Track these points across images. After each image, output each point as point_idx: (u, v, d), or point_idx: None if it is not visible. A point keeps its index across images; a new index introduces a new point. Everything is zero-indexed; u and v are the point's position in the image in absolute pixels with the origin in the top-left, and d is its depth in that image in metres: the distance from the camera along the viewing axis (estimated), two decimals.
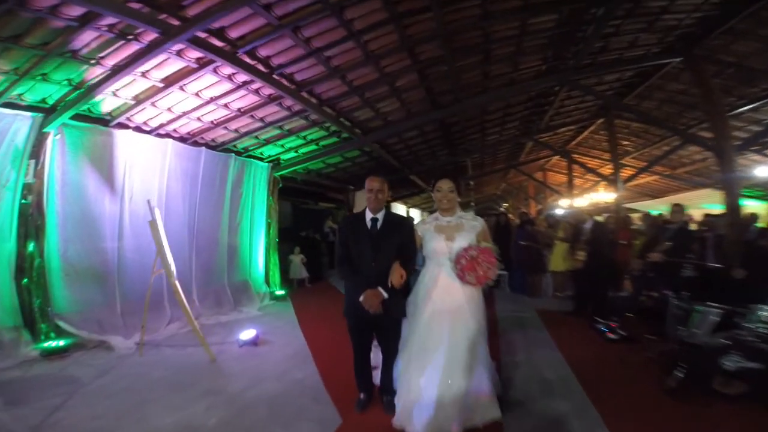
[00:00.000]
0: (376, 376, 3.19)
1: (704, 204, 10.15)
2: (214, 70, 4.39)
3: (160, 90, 4.48)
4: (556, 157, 13.79)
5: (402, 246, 2.80)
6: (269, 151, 7.37)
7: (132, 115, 5.09)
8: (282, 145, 7.20)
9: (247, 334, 5.02)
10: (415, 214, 18.38)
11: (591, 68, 6.89)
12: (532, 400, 3.31)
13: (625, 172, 11.00)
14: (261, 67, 4.45)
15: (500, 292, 8.20)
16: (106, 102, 4.69)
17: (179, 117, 5.28)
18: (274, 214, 7.92)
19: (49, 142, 4.50)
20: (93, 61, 3.83)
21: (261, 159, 7.54)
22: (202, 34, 3.71)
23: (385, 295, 2.70)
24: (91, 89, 3.98)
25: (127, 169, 5.32)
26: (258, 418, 3.06)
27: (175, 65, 4.22)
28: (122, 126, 5.17)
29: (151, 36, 3.55)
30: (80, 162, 4.87)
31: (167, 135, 5.77)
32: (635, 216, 10.36)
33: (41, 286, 4.52)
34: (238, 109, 5.46)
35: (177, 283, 4.49)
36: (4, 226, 4.34)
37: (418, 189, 14.04)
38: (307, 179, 8.98)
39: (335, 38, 4.24)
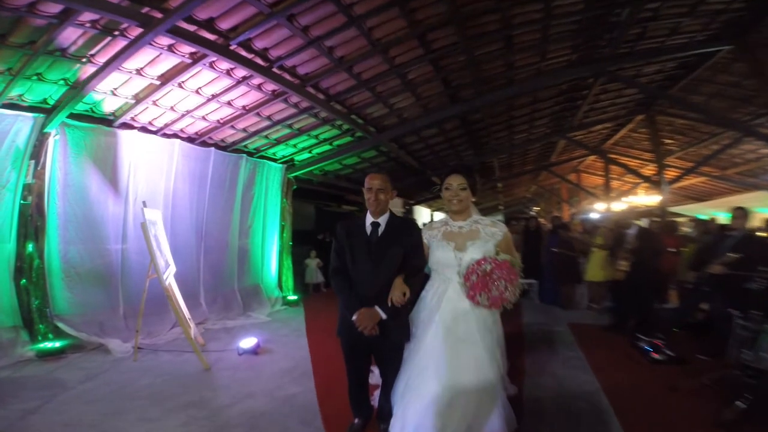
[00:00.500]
0: (377, 397, 2.75)
1: (759, 208, 9.03)
2: (211, 66, 4.17)
3: (157, 87, 4.31)
4: (592, 158, 12.87)
5: (408, 257, 2.33)
6: (282, 151, 7.15)
7: (136, 115, 4.97)
8: (294, 145, 6.96)
9: (248, 342, 4.74)
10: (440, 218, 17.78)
11: (628, 58, 6.20)
12: None
13: (668, 173, 10.03)
14: (259, 61, 4.18)
15: (529, 303, 7.57)
16: (107, 101, 4.58)
17: (183, 116, 5.13)
18: (288, 217, 7.68)
19: (50, 142, 4.43)
20: (84, 59, 3.71)
21: (274, 160, 7.33)
22: (191, 27, 3.50)
23: (383, 315, 2.23)
24: (81, 87, 3.83)
25: (131, 170, 5.22)
26: None
27: (168, 61, 4.04)
28: (127, 126, 5.08)
29: (137, 31, 3.34)
30: (83, 163, 4.79)
31: (174, 135, 5.64)
32: (682, 221, 9.39)
33: (40, 287, 4.45)
34: (243, 107, 5.24)
35: (169, 287, 4.28)
36: (3, 226, 4.30)
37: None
38: (324, 181, 8.71)
39: (335, 25, 3.91)
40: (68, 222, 4.73)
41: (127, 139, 5.10)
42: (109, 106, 4.68)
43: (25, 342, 4.27)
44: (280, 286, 7.53)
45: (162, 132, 5.42)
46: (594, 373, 4.01)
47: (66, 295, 4.69)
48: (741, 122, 7.76)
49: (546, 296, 7.66)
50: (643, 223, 6.62)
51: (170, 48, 3.78)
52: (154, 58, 3.92)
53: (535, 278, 7.84)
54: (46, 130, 4.33)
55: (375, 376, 2.79)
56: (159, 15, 3.16)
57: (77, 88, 3.94)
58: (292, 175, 7.66)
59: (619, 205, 12.54)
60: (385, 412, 2.47)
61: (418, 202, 14.53)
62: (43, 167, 4.45)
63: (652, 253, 5.27)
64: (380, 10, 3.87)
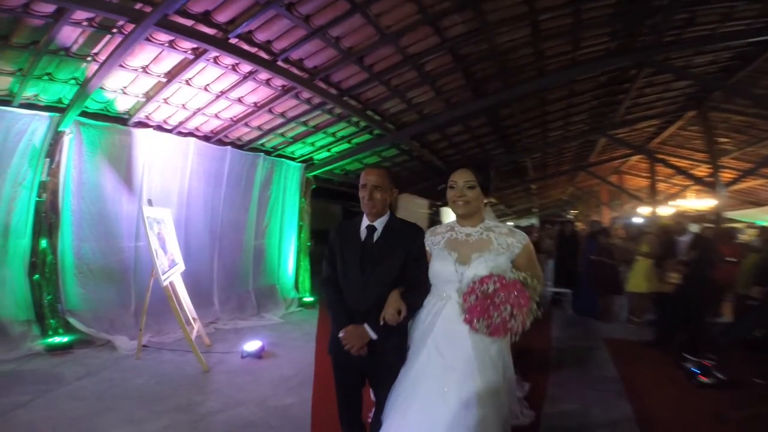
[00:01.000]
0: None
1: None
2: (215, 61, 4.06)
3: (165, 85, 4.26)
4: (636, 158, 11.87)
5: (408, 268, 1.96)
6: (301, 150, 7.02)
7: (150, 114, 4.97)
8: (312, 143, 6.80)
9: (252, 345, 4.60)
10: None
11: (674, 46, 5.52)
12: None
13: (723, 175, 9.01)
14: (263, 54, 4.01)
15: (561, 314, 6.99)
16: (119, 100, 4.60)
17: (194, 114, 5.08)
18: (307, 217, 7.54)
19: (64, 141, 4.49)
20: (89, 58, 3.70)
21: (293, 158, 7.21)
22: (188, 22, 3.38)
23: (373, 335, 1.89)
24: (85, 85, 3.82)
25: (145, 168, 5.22)
26: None
27: (171, 58, 3.96)
28: (142, 125, 5.09)
29: (132, 27, 3.25)
30: (98, 161, 4.83)
31: (190, 134, 5.63)
32: (739, 227, 8.40)
33: (52, 282, 4.52)
34: (254, 104, 5.12)
35: (170, 286, 4.20)
36: (20, 223, 4.39)
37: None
38: (345, 181, 8.51)
39: (338, 13, 3.66)
40: (82, 219, 4.78)
41: (141, 137, 5.11)
42: (121, 104, 4.69)
43: (35, 336, 4.34)
44: (296, 287, 7.40)
45: (177, 130, 5.41)
46: (628, 399, 3.53)
47: (78, 291, 4.73)
48: None
49: (581, 307, 7.06)
50: (697, 229, 5.92)
51: (171, 44, 3.69)
52: (157, 55, 3.86)
53: (569, 287, 7.24)
54: (60, 129, 4.38)
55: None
56: (149, 10, 3.05)
57: (84, 87, 3.94)
58: (312, 174, 7.52)
59: (665, 210, 11.47)
60: None
61: (446, 204, 14.07)
62: (58, 165, 4.52)
63: (708, 264, 4.64)
64: None
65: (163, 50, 3.72)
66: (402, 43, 4.32)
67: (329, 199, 10.22)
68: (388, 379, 1.90)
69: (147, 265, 5.29)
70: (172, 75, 4.12)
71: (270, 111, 5.32)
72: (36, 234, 4.45)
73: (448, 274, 1.82)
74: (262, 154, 6.61)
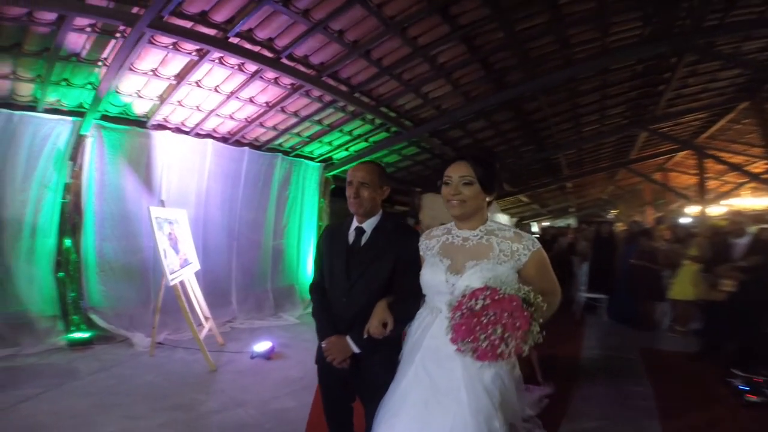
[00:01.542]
0: None
1: None
2: (220, 61, 4.08)
3: (175, 87, 4.33)
4: (682, 153, 10.93)
5: (398, 275, 1.78)
6: (319, 149, 6.99)
7: (167, 116, 5.09)
8: (330, 143, 6.75)
9: (262, 345, 4.57)
10: (503, 221, 16.57)
11: (717, 31, 4.95)
12: None
13: None
14: (266, 52, 3.97)
15: (595, 321, 6.51)
16: (136, 104, 4.73)
17: (209, 115, 5.15)
18: (326, 217, 7.51)
19: (86, 144, 4.67)
20: (99, 63, 3.81)
21: (311, 158, 7.20)
22: (187, 23, 3.39)
23: (355, 349, 1.73)
24: (97, 89, 3.94)
25: (164, 170, 5.35)
26: None
27: (177, 60, 4.02)
28: (161, 127, 5.22)
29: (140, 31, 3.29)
30: (118, 163, 5.00)
31: (208, 135, 5.73)
32: None
33: (76, 280, 4.72)
34: (266, 104, 5.12)
35: (179, 286, 4.24)
36: (46, 223, 4.61)
37: (503, 191, 12.58)
38: None
39: (336, 5, 3.54)
40: (104, 219, 4.96)
41: (160, 139, 5.25)
42: (139, 108, 4.83)
43: (59, 331, 4.54)
44: None
45: (195, 132, 5.52)
46: (660, 418, 3.14)
47: (100, 289, 4.91)
48: None
49: (617, 314, 6.53)
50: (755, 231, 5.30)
51: (175, 47, 3.73)
52: (163, 58, 3.92)
53: (605, 293, 6.70)
54: (81, 133, 4.56)
55: None
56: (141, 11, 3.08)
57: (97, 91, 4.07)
58: (331, 174, 7.48)
59: (716, 209, 10.47)
60: None
61: None
62: (81, 168, 4.71)
63: None
64: None
65: (168, 53, 3.77)
66: (410, 34, 4.14)
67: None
68: (375, 394, 1.70)
69: None
70: (180, 77, 4.17)
71: (283, 110, 5.31)
72: (61, 233, 4.67)
73: (438, 284, 1.56)
74: (280, 154, 6.63)
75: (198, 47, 3.70)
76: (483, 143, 8.18)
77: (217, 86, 4.53)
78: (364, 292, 1.77)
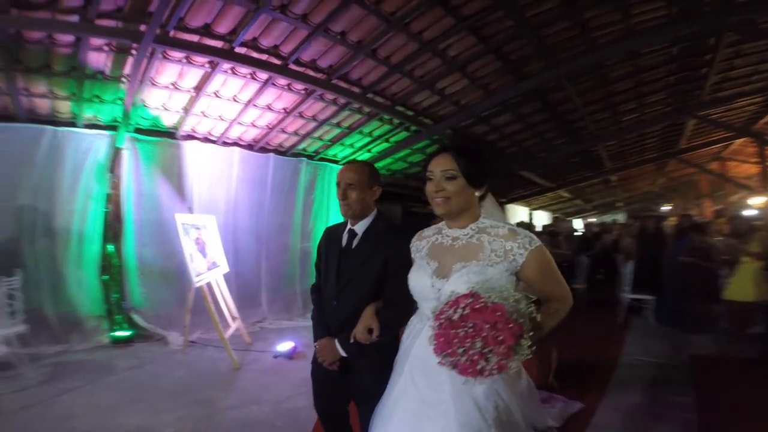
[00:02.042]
0: None
1: None
2: (232, 72, 4.25)
3: (195, 98, 4.57)
4: (740, 141, 9.89)
5: (387, 279, 1.74)
6: (342, 152, 7.10)
7: (195, 126, 5.39)
8: (351, 145, 6.83)
9: (285, 345, 4.70)
10: (542, 219, 15.86)
11: (749, 8, 4.41)
12: None
13: None
14: (274, 60, 4.09)
15: (641, 323, 6.04)
16: (164, 116, 5.05)
17: (232, 124, 5.38)
18: None
19: (123, 156, 5.05)
20: (123, 79, 4.09)
21: (335, 161, 7.31)
22: (194, 37, 3.57)
23: (342, 352, 1.73)
24: (124, 103, 4.25)
25: (195, 178, 5.66)
26: None
27: (192, 73, 4.22)
28: (190, 137, 5.54)
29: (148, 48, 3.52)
30: (153, 173, 5.35)
31: (234, 143, 5.99)
32: None
33: (118, 282, 5.11)
34: (284, 110, 5.27)
35: (206, 287, 4.45)
36: (91, 231, 5.03)
37: (539, 187, 12.06)
38: (391, 181, 8.40)
39: (332, 7, 3.57)
40: (142, 226, 5.33)
41: (189, 149, 5.56)
42: (167, 120, 5.15)
43: (104, 330, 4.93)
44: None
45: (221, 141, 5.79)
46: None
47: (140, 291, 5.28)
48: None
49: (665, 316, 5.99)
50: None
51: (188, 60, 3.94)
52: (179, 72, 4.16)
53: (651, 293, 6.20)
54: (117, 146, 4.94)
55: None
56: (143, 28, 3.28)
57: (121, 105, 4.40)
58: None
59: None
60: None
61: (511, 200, 13.20)
62: (119, 178, 5.10)
63: None
64: None
65: (182, 66, 3.99)
66: (413, 29, 4.08)
67: (389, 202, 10.19)
68: (367, 400, 1.68)
69: None
70: (198, 88, 4.41)
71: (301, 115, 5.44)
72: (104, 240, 5.08)
73: (423, 289, 1.43)
74: (304, 159, 6.79)
75: (208, 59, 3.88)
76: (511, 137, 7.92)
77: (235, 96, 4.73)
78: (353, 296, 1.77)
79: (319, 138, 6.36)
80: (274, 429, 3.00)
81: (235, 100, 4.82)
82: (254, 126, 5.61)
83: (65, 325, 4.69)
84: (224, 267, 5.23)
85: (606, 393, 3.56)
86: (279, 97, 4.93)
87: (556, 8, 4.20)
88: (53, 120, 4.54)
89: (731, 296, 5.21)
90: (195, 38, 3.55)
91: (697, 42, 5.43)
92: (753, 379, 3.77)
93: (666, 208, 16.36)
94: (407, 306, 1.60)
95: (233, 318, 5.07)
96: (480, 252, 1.36)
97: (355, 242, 1.84)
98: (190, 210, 4.99)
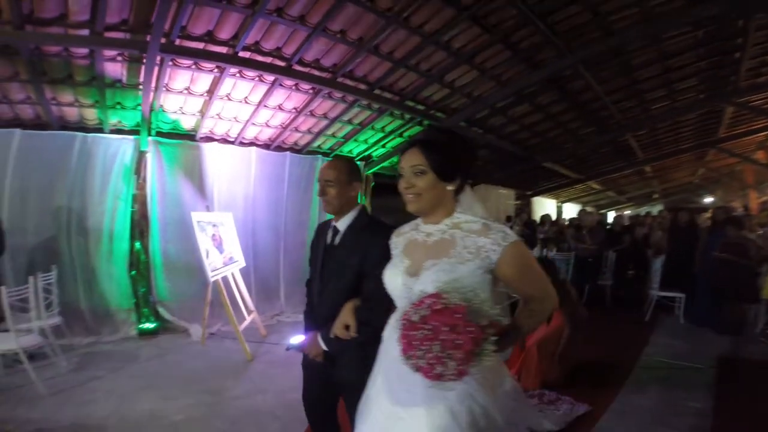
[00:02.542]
0: None
1: None
2: (240, 75, 4.38)
3: (209, 102, 4.77)
4: None
5: (365, 275, 1.74)
6: (357, 148, 7.17)
7: (212, 128, 5.62)
8: (365, 141, 6.88)
9: (298, 338, 4.76)
10: (572, 212, 15.28)
11: None
12: None
13: None
14: (278, 62, 4.20)
15: (668, 322, 5.76)
16: (182, 119, 5.30)
17: (246, 125, 5.57)
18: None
19: (147, 159, 5.35)
20: (140, 87, 4.32)
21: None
22: (198, 45, 3.73)
23: (323, 346, 1.79)
24: (143, 109, 4.51)
25: (215, 178, 5.91)
26: (211, 428, 2.97)
27: (203, 78, 4.40)
28: (208, 139, 5.78)
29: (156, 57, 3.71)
30: (175, 174, 5.63)
31: (251, 143, 6.19)
32: None
33: (145, 277, 5.42)
34: (295, 109, 5.39)
35: (220, 282, 4.66)
36: (120, 229, 5.37)
37: (566, 179, 11.67)
38: None
39: (327, 6, 3.60)
40: (167, 224, 5.63)
41: (208, 150, 5.81)
42: (186, 123, 5.40)
43: (132, 322, 5.26)
44: None
45: (239, 141, 6.01)
46: None
47: (166, 285, 5.59)
48: None
49: (695, 315, 5.69)
50: None
51: (197, 66, 4.11)
52: (191, 77, 4.35)
53: (682, 291, 5.87)
54: (141, 149, 5.24)
55: None
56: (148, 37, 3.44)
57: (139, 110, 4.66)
58: (371, 171, 7.61)
59: None
60: None
61: (537, 193, 12.84)
62: (144, 180, 5.40)
63: None
64: None
65: (193, 72, 4.16)
66: (413, 23, 4.06)
67: (394, 195, 10.22)
68: (350, 393, 1.71)
69: None
70: (210, 92, 4.60)
71: (312, 114, 5.54)
72: (132, 238, 5.40)
73: (397, 288, 1.38)
74: (320, 156, 6.92)
75: (214, 65, 4.04)
76: (531, 128, 7.70)
77: (246, 98, 4.90)
78: (334, 292, 1.82)
79: (333, 135, 6.46)
80: (273, 418, 3.12)
81: (246, 102, 4.99)
82: (268, 126, 5.78)
83: (97, 317, 5.05)
84: (241, 262, 5.44)
85: (617, 395, 3.43)
86: (288, 97, 5.05)
87: None
88: (82, 126, 4.88)
89: None
90: (200, 45, 3.71)
91: (722, 25, 5.04)
92: None
93: (708, 200, 15.32)
94: (384, 304, 1.56)
95: (249, 311, 5.28)
96: (451, 249, 1.29)
97: (337, 239, 1.88)
98: (208, 208, 5.22)
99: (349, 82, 4.80)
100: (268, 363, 4.34)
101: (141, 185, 5.40)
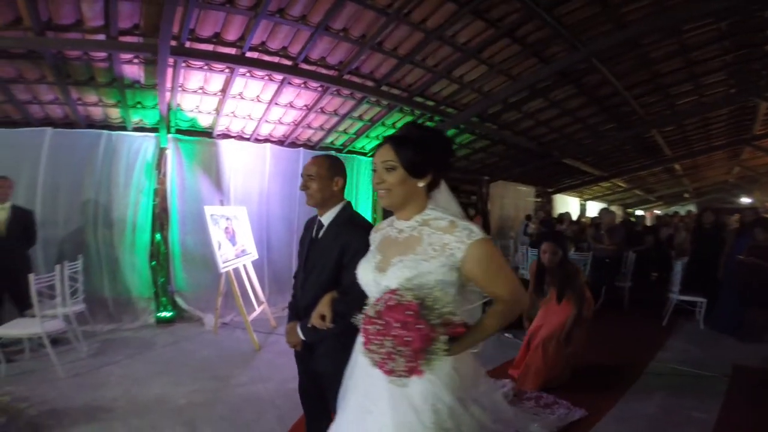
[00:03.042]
0: None
1: None
2: (250, 74, 4.52)
3: (223, 101, 4.94)
4: None
5: (343, 268, 1.83)
6: (369, 144, 7.25)
7: (228, 126, 5.83)
8: (377, 137, 6.93)
9: None
10: (595, 211, 14.80)
11: None
12: None
13: None
14: (285, 61, 4.31)
15: (688, 328, 5.56)
16: (200, 118, 5.52)
17: (260, 122, 5.74)
18: (380, 210, 7.74)
19: (167, 155, 5.62)
20: (157, 87, 4.50)
21: (363, 154, 7.48)
22: (208, 46, 3.88)
23: (301, 336, 1.87)
24: (160, 108, 4.73)
25: (231, 173, 6.13)
26: (213, 413, 3.11)
27: (216, 78, 4.57)
28: (225, 136, 6.00)
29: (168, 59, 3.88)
30: (194, 169, 5.89)
31: (266, 140, 6.38)
32: None
33: (164, 268, 5.70)
34: (305, 106, 5.51)
35: (231, 273, 4.85)
36: (142, 221, 5.66)
37: (589, 176, 11.36)
38: None
39: (328, 5, 3.67)
40: (186, 217, 5.89)
41: (225, 147, 6.04)
42: (203, 121, 5.63)
43: (151, 311, 5.54)
44: None
45: (254, 138, 6.20)
46: None
47: (184, 276, 5.86)
48: None
49: (718, 321, 5.44)
50: None
51: (208, 67, 4.28)
52: (204, 77, 4.53)
53: (704, 295, 5.62)
54: (161, 146, 5.50)
55: None
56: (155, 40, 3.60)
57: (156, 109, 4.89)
58: None
59: None
60: None
61: (558, 190, 12.53)
62: (165, 175, 5.67)
63: None
64: None
65: (205, 73, 4.34)
66: (415, 19, 4.07)
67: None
68: (328, 385, 1.79)
69: None
70: (223, 91, 4.77)
71: (322, 111, 5.65)
72: (153, 230, 5.70)
73: (367, 283, 1.41)
74: (332, 152, 7.03)
75: (224, 65, 4.19)
76: (548, 124, 7.54)
77: (258, 96, 5.05)
78: (314, 284, 1.89)
79: (344, 131, 6.55)
80: (272, 406, 3.24)
81: (258, 100, 5.15)
82: (281, 123, 5.93)
83: (119, 305, 5.35)
84: (254, 254, 5.63)
85: (620, 401, 3.36)
86: (298, 95, 5.18)
87: None
88: (107, 125, 5.18)
89: None
90: (210, 47, 3.87)
91: (746, 16, 4.76)
92: None
93: (745, 200, 14.43)
94: (362, 296, 1.58)
95: (259, 302, 5.46)
96: (418, 246, 1.30)
97: (321, 233, 1.97)
98: (221, 203, 5.41)
99: (356, 79, 4.87)
100: (275, 353, 4.48)
101: (162, 180, 5.67)
